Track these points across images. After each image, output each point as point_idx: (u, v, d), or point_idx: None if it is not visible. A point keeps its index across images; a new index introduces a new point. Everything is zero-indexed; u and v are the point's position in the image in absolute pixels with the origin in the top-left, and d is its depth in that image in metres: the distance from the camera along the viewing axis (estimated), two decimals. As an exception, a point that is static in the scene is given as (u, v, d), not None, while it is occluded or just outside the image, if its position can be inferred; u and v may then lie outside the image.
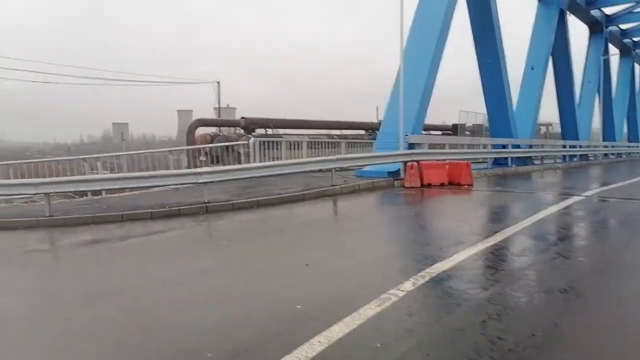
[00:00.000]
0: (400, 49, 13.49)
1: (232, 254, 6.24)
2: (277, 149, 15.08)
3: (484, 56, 18.41)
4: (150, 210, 9.70)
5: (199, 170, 9.99)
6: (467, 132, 23.75)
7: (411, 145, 13.90)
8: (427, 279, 4.50)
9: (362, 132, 31.78)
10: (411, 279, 4.46)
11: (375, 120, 40.15)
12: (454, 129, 24.35)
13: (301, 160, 11.25)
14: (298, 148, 15.74)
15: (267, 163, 10.69)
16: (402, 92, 13.14)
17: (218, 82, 35.32)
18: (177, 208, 9.88)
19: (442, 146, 16.44)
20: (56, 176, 13.48)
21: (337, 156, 11.49)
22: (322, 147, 17.06)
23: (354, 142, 18.24)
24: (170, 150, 15.76)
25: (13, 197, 9.78)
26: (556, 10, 23.00)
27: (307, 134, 29.19)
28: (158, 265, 5.71)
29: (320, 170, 11.31)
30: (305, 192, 11.07)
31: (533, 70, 22.00)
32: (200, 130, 25.18)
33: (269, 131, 25.69)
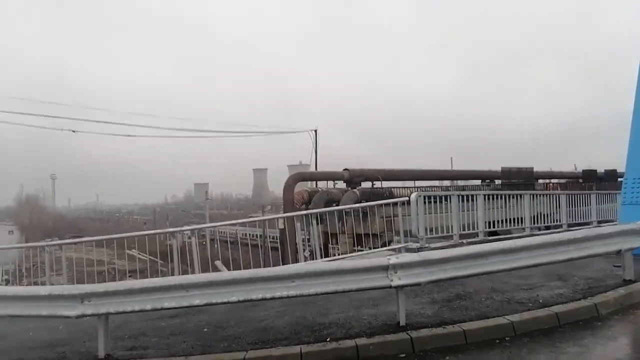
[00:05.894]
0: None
1: None
2: (442, 201, 9.78)
3: None
4: (298, 349, 4.61)
5: (391, 261, 4.79)
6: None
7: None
8: None
9: (478, 182, 27.59)
10: None
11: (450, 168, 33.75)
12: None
13: (594, 232, 5.69)
14: (472, 200, 10.25)
15: (530, 241, 5.20)
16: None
17: (315, 130, 29.33)
18: (350, 344, 4.66)
19: None
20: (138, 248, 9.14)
21: (646, 224, 5.76)
22: (496, 199, 11.40)
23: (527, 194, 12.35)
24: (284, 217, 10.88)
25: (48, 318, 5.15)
26: None
27: (419, 187, 23.91)
28: None
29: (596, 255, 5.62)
30: (589, 299, 5.43)
31: None
32: (299, 187, 22.66)
33: (377, 184, 22.01)
